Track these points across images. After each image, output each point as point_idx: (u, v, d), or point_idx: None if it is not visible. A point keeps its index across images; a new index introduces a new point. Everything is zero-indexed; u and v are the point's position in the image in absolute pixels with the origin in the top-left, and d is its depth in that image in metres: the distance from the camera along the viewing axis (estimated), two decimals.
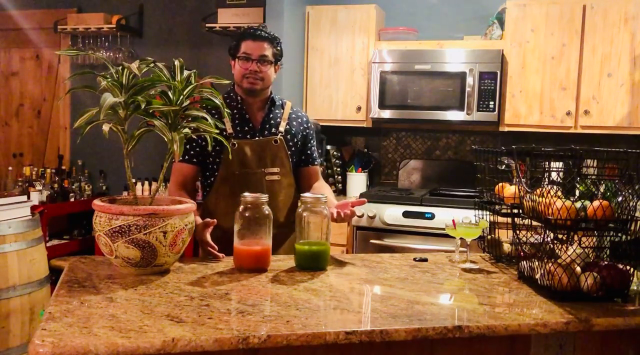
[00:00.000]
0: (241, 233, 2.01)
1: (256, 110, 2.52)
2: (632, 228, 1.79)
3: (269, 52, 2.43)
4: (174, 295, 1.70)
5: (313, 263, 2.07)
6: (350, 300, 1.72)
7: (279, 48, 2.49)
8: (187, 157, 2.43)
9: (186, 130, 1.93)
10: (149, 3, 5.07)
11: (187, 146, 2.38)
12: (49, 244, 4.33)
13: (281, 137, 2.51)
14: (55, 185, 4.62)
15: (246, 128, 2.48)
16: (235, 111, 2.49)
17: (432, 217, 3.69)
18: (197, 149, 2.43)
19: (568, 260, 1.81)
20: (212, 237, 2.27)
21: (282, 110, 2.57)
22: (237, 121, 2.48)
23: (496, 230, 2.34)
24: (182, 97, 1.93)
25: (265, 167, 2.46)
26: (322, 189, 2.57)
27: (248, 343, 1.41)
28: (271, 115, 2.53)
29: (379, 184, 4.61)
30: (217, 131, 1.98)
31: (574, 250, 1.83)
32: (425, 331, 1.51)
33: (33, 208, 3.51)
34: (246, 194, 2.02)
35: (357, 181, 4.37)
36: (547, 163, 2.01)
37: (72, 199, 4.70)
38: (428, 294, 1.84)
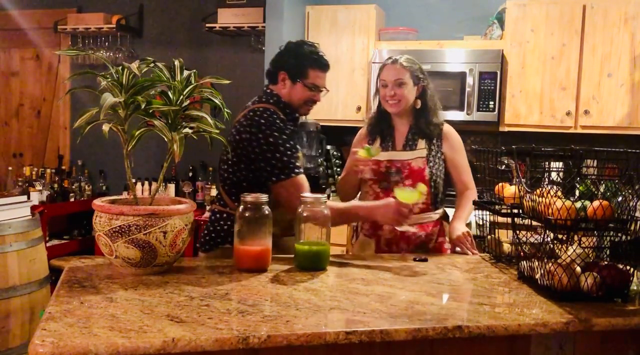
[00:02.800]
0: (241, 233, 2.00)
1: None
2: (632, 228, 1.79)
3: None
4: (174, 295, 1.70)
5: (313, 263, 2.07)
6: (350, 300, 1.72)
7: None
8: (302, 169, 2.29)
9: (186, 130, 1.93)
10: (149, 3, 5.07)
11: (298, 162, 2.25)
12: (49, 244, 4.34)
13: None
14: (55, 185, 4.63)
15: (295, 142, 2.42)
16: (290, 124, 2.37)
17: None
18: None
19: (568, 260, 1.81)
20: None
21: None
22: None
23: (496, 230, 2.34)
24: (182, 97, 1.93)
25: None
26: None
27: (248, 343, 1.41)
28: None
29: None
30: (217, 131, 1.98)
31: (574, 250, 1.83)
32: (425, 331, 1.51)
33: (33, 208, 3.51)
34: (246, 193, 2.02)
35: None
36: (547, 163, 2.01)
37: (72, 199, 4.70)
38: (428, 294, 1.84)
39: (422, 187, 2.20)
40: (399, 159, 2.52)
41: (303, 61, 2.33)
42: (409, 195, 2.17)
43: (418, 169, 2.49)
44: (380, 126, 2.60)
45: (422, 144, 2.54)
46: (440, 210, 2.56)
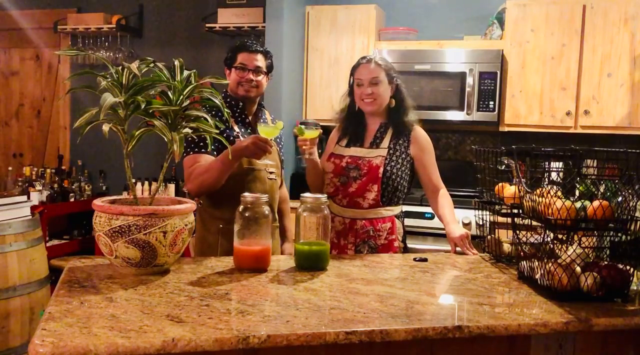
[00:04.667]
0: (241, 233, 2.01)
1: (252, 114, 2.63)
2: (632, 228, 1.79)
3: (262, 63, 2.58)
4: (174, 295, 1.70)
5: (313, 263, 2.07)
6: (350, 300, 1.72)
7: (270, 60, 2.63)
8: (210, 148, 2.40)
9: (186, 130, 1.93)
10: (149, 3, 5.07)
11: (207, 141, 2.37)
12: (49, 244, 4.34)
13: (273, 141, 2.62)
14: (55, 185, 4.62)
15: (249, 130, 2.57)
16: (237, 114, 2.58)
17: (432, 217, 3.69)
18: (217, 144, 2.42)
19: (568, 260, 1.81)
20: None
21: (265, 115, 2.68)
22: (239, 124, 2.57)
23: (496, 230, 2.34)
24: (182, 97, 1.93)
25: (266, 167, 2.55)
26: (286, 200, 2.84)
27: (248, 343, 1.41)
28: (261, 120, 2.65)
29: None
30: (217, 131, 1.99)
31: (574, 250, 1.83)
32: (425, 331, 1.51)
33: (33, 208, 3.51)
34: (246, 194, 2.03)
35: None
36: (547, 163, 2.01)
37: (72, 199, 4.70)
38: (428, 294, 1.84)
39: (280, 124, 2.34)
40: (362, 156, 2.58)
41: (234, 50, 2.59)
42: (268, 130, 2.30)
43: (375, 167, 2.53)
44: (353, 125, 2.67)
45: (386, 142, 2.58)
46: (393, 208, 2.58)
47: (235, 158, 2.31)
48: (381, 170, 2.52)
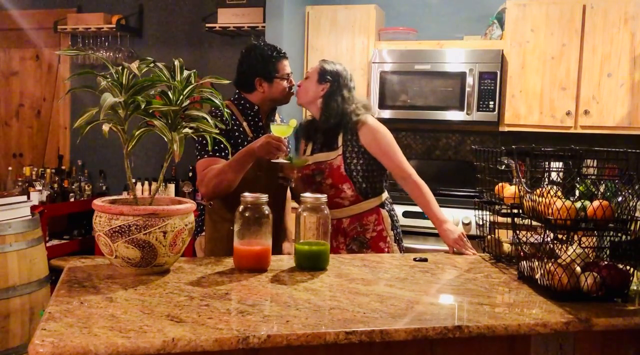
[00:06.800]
0: (241, 233, 2.00)
1: (265, 118, 2.62)
2: (632, 228, 1.79)
3: None
4: (174, 295, 1.70)
5: (313, 263, 2.07)
6: (350, 300, 1.72)
7: None
8: (223, 153, 2.43)
9: (186, 130, 1.93)
10: (149, 3, 5.07)
11: (222, 145, 2.38)
12: (49, 244, 4.34)
13: None
14: (55, 185, 4.62)
15: (261, 133, 2.56)
16: (250, 118, 2.57)
17: None
18: (230, 149, 2.44)
19: (568, 260, 1.81)
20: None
21: (275, 116, 2.68)
22: (252, 128, 2.56)
23: (496, 230, 2.34)
24: (182, 97, 1.93)
25: (277, 172, 2.54)
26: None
27: (248, 343, 1.41)
28: (272, 121, 2.63)
29: None
30: (217, 131, 1.99)
31: (574, 250, 1.83)
32: (425, 331, 1.51)
33: (33, 208, 3.51)
34: (246, 194, 2.02)
35: None
36: (547, 163, 2.01)
37: (72, 199, 4.70)
38: (428, 294, 1.84)
39: (293, 122, 2.35)
40: (323, 160, 2.61)
41: (270, 60, 2.55)
42: (282, 129, 2.31)
43: (337, 167, 2.57)
44: (311, 131, 2.71)
45: (340, 141, 2.61)
46: (374, 199, 2.61)
47: (250, 158, 2.31)
48: (343, 168, 2.56)
